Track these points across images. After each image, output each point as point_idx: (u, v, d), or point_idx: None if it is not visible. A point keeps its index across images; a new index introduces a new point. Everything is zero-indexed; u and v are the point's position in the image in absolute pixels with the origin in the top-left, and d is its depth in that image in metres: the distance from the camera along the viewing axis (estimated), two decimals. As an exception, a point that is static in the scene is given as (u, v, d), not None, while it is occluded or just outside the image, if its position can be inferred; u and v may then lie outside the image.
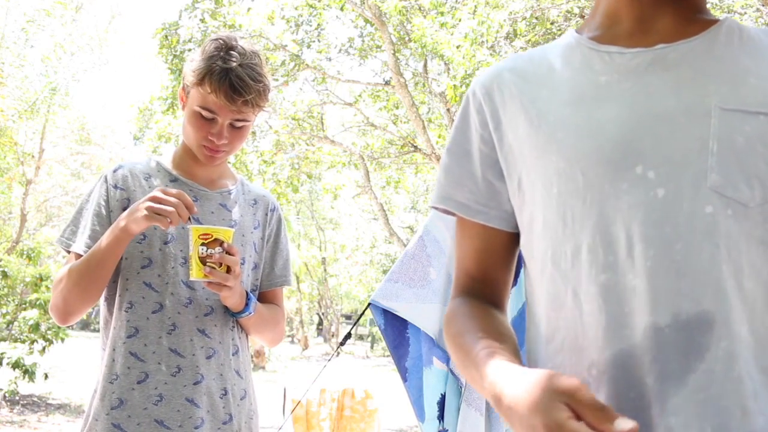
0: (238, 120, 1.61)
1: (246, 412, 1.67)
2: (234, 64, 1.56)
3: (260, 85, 1.59)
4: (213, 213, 1.67)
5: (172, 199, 1.46)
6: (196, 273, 1.49)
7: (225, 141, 1.61)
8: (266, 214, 1.79)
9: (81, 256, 1.58)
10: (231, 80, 1.55)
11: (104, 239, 1.52)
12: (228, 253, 1.51)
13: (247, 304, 1.63)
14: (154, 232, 1.60)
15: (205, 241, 1.49)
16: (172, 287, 1.58)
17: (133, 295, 1.58)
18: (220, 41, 1.60)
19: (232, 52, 1.58)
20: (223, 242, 1.50)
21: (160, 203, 1.45)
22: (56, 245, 1.67)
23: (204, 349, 1.59)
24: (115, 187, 1.64)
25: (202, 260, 1.48)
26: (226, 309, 1.64)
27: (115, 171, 1.67)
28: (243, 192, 1.78)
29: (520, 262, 2.65)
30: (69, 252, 1.64)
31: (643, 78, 0.81)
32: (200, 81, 1.57)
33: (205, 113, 1.59)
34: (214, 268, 1.49)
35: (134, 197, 1.63)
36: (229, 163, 1.89)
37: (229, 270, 1.51)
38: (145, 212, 1.45)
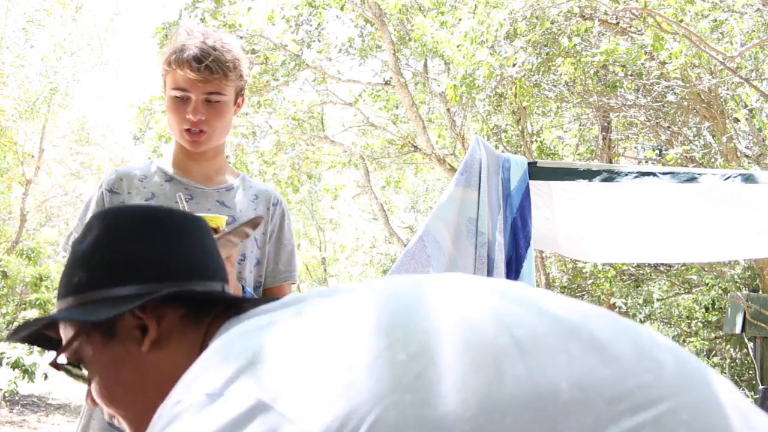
0: (211, 93, 1.63)
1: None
2: (197, 40, 1.61)
3: (226, 56, 1.62)
4: (210, 210, 1.67)
5: None
6: None
7: (201, 117, 1.62)
8: (268, 209, 1.78)
9: None
10: (192, 51, 1.60)
11: None
12: None
13: None
14: None
15: None
16: None
17: None
18: (185, 29, 1.66)
19: (194, 33, 1.64)
20: (218, 229, 1.49)
21: None
22: (61, 251, 1.73)
23: None
24: (110, 191, 1.68)
25: None
26: None
27: (110, 177, 1.71)
28: (244, 188, 1.77)
29: (521, 262, 2.65)
30: None
31: None
32: (168, 64, 1.62)
33: (178, 93, 1.62)
34: None
35: (129, 199, 1.66)
36: (229, 162, 1.90)
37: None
38: None
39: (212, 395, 0.61)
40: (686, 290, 9.83)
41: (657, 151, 9.32)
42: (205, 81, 1.61)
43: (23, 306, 8.51)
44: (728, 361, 9.19)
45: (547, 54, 7.07)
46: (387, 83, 10.84)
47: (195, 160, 1.71)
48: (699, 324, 10.33)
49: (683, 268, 8.99)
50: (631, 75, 7.33)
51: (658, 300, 9.89)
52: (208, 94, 1.62)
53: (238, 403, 0.59)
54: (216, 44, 1.62)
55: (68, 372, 0.85)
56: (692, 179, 2.67)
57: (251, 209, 1.74)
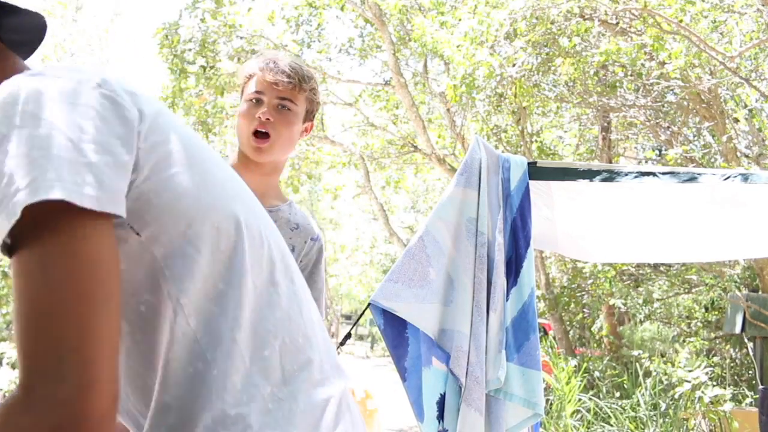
0: (283, 99, 1.71)
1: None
2: (281, 55, 1.79)
3: (303, 70, 1.75)
4: None
5: None
6: None
7: (270, 118, 1.68)
8: (305, 242, 1.80)
9: None
10: (276, 61, 1.73)
11: None
12: None
13: None
14: None
15: None
16: None
17: None
18: (272, 52, 1.85)
19: (276, 54, 1.81)
20: None
21: None
22: None
23: None
24: None
25: None
26: None
27: None
28: (289, 215, 1.79)
29: (520, 262, 2.66)
30: None
31: None
32: (251, 72, 1.74)
33: (253, 96, 1.71)
34: None
35: None
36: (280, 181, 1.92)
37: None
38: None
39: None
40: (686, 290, 9.84)
41: (657, 151, 9.33)
42: (280, 85, 1.69)
43: (23, 306, 8.51)
44: (728, 360, 9.20)
45: (547, 54, 7.08)
46: (387, 83, 10.85)
47: (251, 172, 1.72)
48: (699, 324, 10.33)
49: (683, 268, 9.00)
50: (631, 75, 7.33)
51: (657, 300, 9.90)
52: (281, 99, 1.70)
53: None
54: (297, 60, 1.77)
55: None
56: (692, 179, 2.68)
57: (287, 237, 1.74)
